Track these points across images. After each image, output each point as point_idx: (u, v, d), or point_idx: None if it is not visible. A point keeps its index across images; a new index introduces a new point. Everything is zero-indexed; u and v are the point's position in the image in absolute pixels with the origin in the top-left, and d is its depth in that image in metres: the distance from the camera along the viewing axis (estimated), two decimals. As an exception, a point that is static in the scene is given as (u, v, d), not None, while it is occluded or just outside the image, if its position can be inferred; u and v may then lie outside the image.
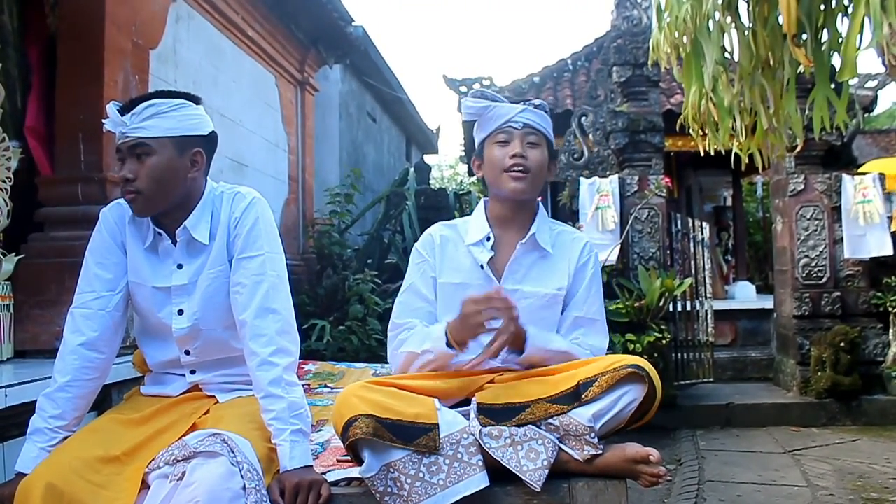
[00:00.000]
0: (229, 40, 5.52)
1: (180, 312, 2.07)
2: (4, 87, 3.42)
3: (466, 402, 2.01)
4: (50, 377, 2.82)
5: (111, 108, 2.00)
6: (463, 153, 14.25)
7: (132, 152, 1.97)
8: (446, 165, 29.25)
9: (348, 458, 2.07)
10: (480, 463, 1.81)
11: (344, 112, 9.41)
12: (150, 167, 1.96)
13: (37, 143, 3.61)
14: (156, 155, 1.97)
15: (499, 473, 1.83)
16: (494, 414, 1.90)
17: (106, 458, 1.82)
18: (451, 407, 1.98)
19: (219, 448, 1.73)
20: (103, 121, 2.03)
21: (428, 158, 15.86)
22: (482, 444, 1.84)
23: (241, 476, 1.71)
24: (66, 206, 3.57)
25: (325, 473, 1.97)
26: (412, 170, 7.30)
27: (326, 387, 3.08)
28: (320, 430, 2.53)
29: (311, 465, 1.91)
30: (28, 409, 2.73)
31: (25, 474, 1.84)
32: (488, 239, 2.22)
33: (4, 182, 3.33)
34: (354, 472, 1.91)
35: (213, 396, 2.10)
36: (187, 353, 2.10)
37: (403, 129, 13.87)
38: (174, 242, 2.08)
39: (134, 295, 2.12)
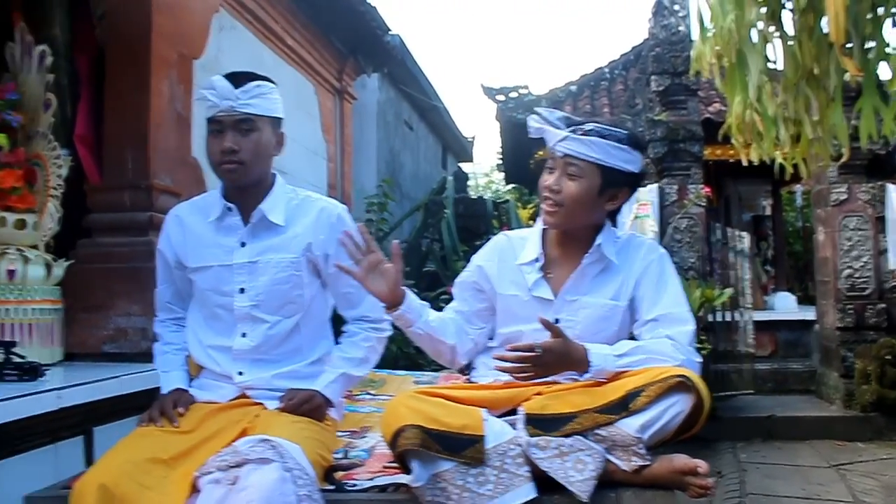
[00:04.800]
0: (270, 50, 5.59)
1: (242, 291, 2.14)
2: (56, 98, 3.49)
3: (513, 411, 2.01)
4: (99, 380, 2.92)
5: (220, 80, 2.08)
6: (500, 162, 14.26)
7: (236, 125, 2.07)
8: (481, 174, 29.25)
9: (395, 464, 2.09)
10: (528, 473, 1.81)
11: (381, 120, 9.46)
12: (255, 142, 2.10)
13: (86, 151, 3.69)
14: (258, 131, 2.10)
15: (546, 484, 1.83)
16: (542, 424, 1.90)
17: (155, 460, 1.85)
18: (499, 416, 1.98)
19: (270, 454, 1.75)
20: (202, 91, 2.10)
21: (463, 167, 15.90)
22: (529, 454, 1.84)
23: (294, 483, 1.73)
24: (114, 213, 3.64)
25: (372, 479, 1.99)
26: (450, 178, 7.32)
27: (368, 394, 3.10)
28: (364, 437, 2.54)
29: (331, 405, 2.18)
30: (79, 410, 2.80)
31: (170, 392, 2.15)
32: (537, 260, 2.19)
33: (56, 189, 3.40)
34: (403, 478, 1.92)
35: (261, 404, 2.12)
36: (244, 335, 2.15)
37: (439, 137, 13.91)
38: (244, 221, 2.16)
39: (196, 283, 2.21)
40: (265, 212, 2.16)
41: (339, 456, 2.21)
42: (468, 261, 2.39)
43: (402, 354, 5.08)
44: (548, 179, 2.11)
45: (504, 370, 1.97)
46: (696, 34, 3.16)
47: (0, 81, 3.48)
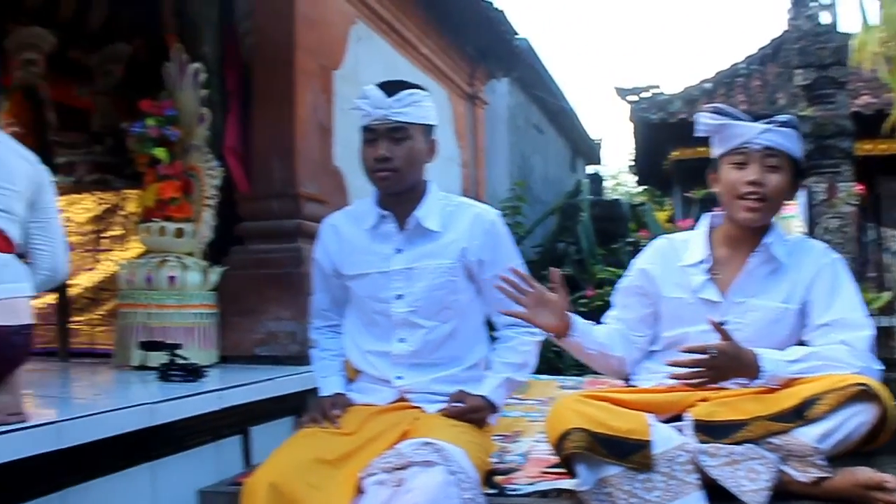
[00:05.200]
0: (404, 58, 5.68)
1: (399, 297, 2.17)
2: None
3: (677, 416, 1.95)
4: (256, 382, 3.02)
5: (373, 89, 2.13)
6: (631, 163, 14.01)
7: (389, 134, 2.11)
8: (608, 176, 28.83)
9: (553, 469, 2.08)
10: (697, 481, 1.75)
11: (512, 125, 9.47)
12: (408, 149, 2.13)
13: (235, 162, 3.84)
14: (411, 139, 2.13)
15: (716, 492, 1.76)
16: (711, 431, 1.84)
17: (321, 461, 1.90)
18: (662, 422, 1.93)
19: (435, 457, 1.77)
20: (356, 101, 2.16)
21: (591, 169, 15.72)
22: (699, 462, 1.78)
23: (458, 486, 1.73)
24: (263, 221, 3.78)
25: (533, 484, 1.98)
26: (586, 181, 7.25)
27: (515, 398, 3.10)
28: (517, 441, 2.54)
29: (496, 410, 2.17)
30: (238, 410, 2.92)
31: (329, 396, 2.20)
32: (704, 262, 2.14)
33: (211, 199, 3.56)
34: (564, 483, 1.90)
35: (420, 407, 2.14)
36: (401, 340, 2.18)
37: (568, 140, 13.80)
38: (400, 228, 2.20)
39: (354, 290, 2.25)
40: (420, 218, 2.18)
41: (495, 460, 2.22)
42: (605, 264, 2.37)
43: (542, 359, 5.04)
44: (747, 174, 2.05)
45: (678, 377, 1.92)
46: (850, 24, 3.01)
47: (158, 99, 3.68)
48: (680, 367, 1.89)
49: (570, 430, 1.79)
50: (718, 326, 1.90)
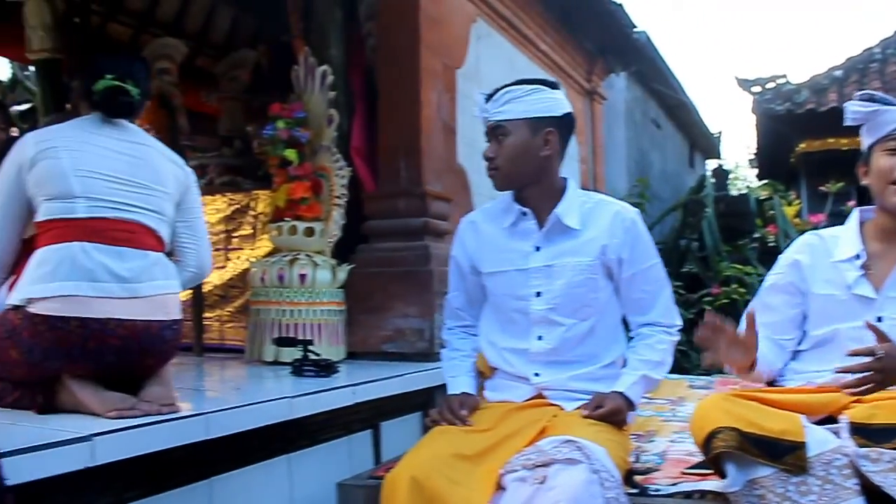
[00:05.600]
0: (523, 55, 5.65)
1: (538, 294, 2.17)
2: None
3: (828, 418, 1.87)
4: (386, 378, 3.07)
5: (479, 97, 2.22)
6: (753, 157, 13.54)
7: (493, 134, 2.17)
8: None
9: (694, 470, 2.03)
10: (857, 486, 1.67)
11: (629, 120, 9.30)
12: (507, 147, 2.14)
13: (361, 162, 3.91)
14: (511, 136, 2.14)
15: (876, 499, 1.68)
16: (870, 435, 1.75)
17: (460, 456, 1.91)
18: (815, 423, 1.85)
19: (577, 455, 1.75)
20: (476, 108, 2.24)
21: (710, 164, 15.29)
22: (859, 466, 1.69)
23: (601, 485, 1.71)
24: (389, 220, 3.83)
25: (676, 485, 1.93)
26: (709, 176, 7.06)
27: (644, 397, 3.05)
28: (652, 441, 2.49)
29: (633, 408, 2.14)
30: (369, 405, 2.97)
31: (456, 395, 2.19)
32: (858, 257, 2.06)
33: (340, 199, 3.64)
34: (708, 485, 1.85)
35: (558, 405, 2.12)
36: (540, 338, 2.17)
37: (686, 134, 13.47)
38: (539, 225, 2.19)
39: (490, 286, 2.26)
40: (560, 215, 2.17)
41: (632, 460, 2.18)
42: (731, 261, 2.30)
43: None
44: None
45: (848, 385, 1.83)
46: None
47: (287, 102, 3.78)
48: (848, 372, 1.80)
49: (718, 429, 1.74)
50: (874, 327, 1.81)
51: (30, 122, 3.69)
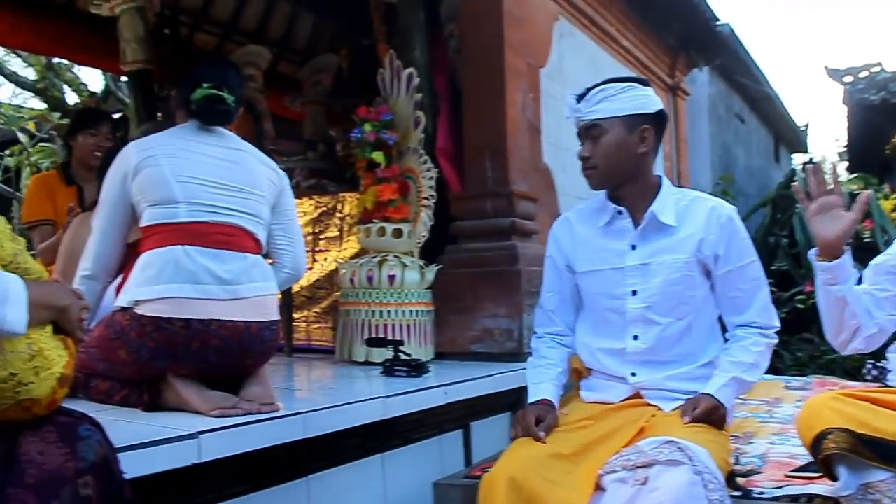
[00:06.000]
0: (606, 52, 5.59)
1: (634, 293, 2.14)
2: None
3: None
4: (477, 378, 3.07)
5: (569, 97, 2.19)
6: (843, 149, 13.09)
7: (588, 134, 2.15)
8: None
9: (799, 473, 1.97)
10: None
11: (713, 115, 9.11)
12: (603, 145, 2.12)
13: (447, 162, 3.92)
14: (607, 134, 2.12)
15: None
16: None
17: (557, 456, 1.90)
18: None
19: (679, 456, 1.72)
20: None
21: (797, 158, 14.87)
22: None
23: (705, 487, 1.68)
24: (477, 220, 3.82)
25: (781, 488, 1.88)
26: (799, 170, 6.86)
27: (738, 398, 2.98)
28: (751, 443, 2.44)
29: (726, 410, 2.03)
30: (460, 405, 2.98)
31: (536, 404, 2.12)
32: None
33: (428, 200, 3.66)
34: (817, 488, 1.80)
35: (655, 405, 2.09)
36: (636, 338, 2.14)
37: (771, 127, 13.11)
38: (634, 224, 2.17)
39: (584, 286, 2.24)
40: (656, 213, 2.14)
41: (731, 461, 2.13)
42: None
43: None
44: None
45: None
46: None
47: (373, 105, 3.82)
48: None
49: (829, 430, 1.69)
50: None
51: (122, 130, 3.81)
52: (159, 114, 5.47)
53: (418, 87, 3.82)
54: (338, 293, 4.16)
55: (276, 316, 2.37)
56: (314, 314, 4.35)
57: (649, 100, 2.18)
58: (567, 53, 4.86)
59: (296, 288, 4.29)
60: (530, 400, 2.19)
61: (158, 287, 2.15)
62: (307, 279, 4.35)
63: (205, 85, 2.39)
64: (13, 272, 1.37)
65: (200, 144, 2.37)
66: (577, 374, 2.34)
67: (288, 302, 4.12)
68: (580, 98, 2.17)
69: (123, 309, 2.19)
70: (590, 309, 2.27)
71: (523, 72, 4.04)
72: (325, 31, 7.13)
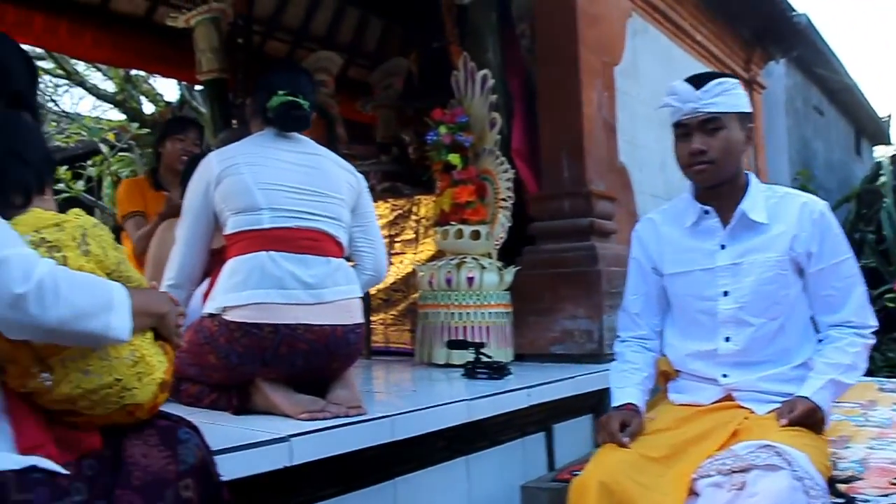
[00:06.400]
0: (679, 47, 5.50)
1: (725, 294, 2.08)
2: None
3: None
4: (559, 380, 3.05)
5: (681, 84, 2.08)
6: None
7: (702, 127, 2.05)
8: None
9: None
10: None
11: (790, 108, 8.88)
12: (723, 139, 2.04)
13: (522, 163, 3.91)
14: (726, 129, 2.04)
15: None
16: None
17: (647, 458, 1.86)
18: None
19: (778, 461, 1.67)
20: (666, 98, 2.11)
21: (878, 150, 14.39)
22: None
23: (806, 493, 1.62)
24: (554, 221, 3.80)
25: (887, 496, 1.81)
26: (886, 163, 6.63)
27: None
28: (848, 447, 2.35)
29: (823, 413, 1.95)
30: (543, 407, 2.96)
31: (620, 409, 2.06)
32: None
33: (506, 202, 3.64)
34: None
35: (748, 407, 2.03)
36: (727, 339, 2.08)
37: (851, 119, 12.72)
38: (723, 223, 2.11)
39: (672, 288, 2.19)
40: (746, 211, 2.08)
41: (831, 466, 2.06)
42: None
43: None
44: None
45: None
46: None
47: (448, 107, 3.83)
48: None
49: None
50: None
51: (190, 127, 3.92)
52: (234, 121, 5.58)
53: (493, 88, 3.81)
54: (415, 295, 4.18)
55: (360, 319, 2.38)
56: (391, 317, 4.38)
57: (747, 98, 2.15)
58: (640, 50, 4.79)
59: (372, 291, 4.32)
60: (614, 404, 2.14)
61: (245, 293, 2.18)
62: (383, 282, 4.37)
63: (280, 92, 2.42)
64: (115, 280, 1.41)
65: (279, 151, 2.40)
66: (664, 377, 2.29)
67: (366, 305, 4.13)
68: (697, 86, 2.05)
69: (212, 315, 2.23)
70: (678, 311, 2.22)
71: (598, 70, 4.00)
72: (395, 35, 7.18)
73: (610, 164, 4.03)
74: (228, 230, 2.33)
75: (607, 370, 3.28)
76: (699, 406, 2.10)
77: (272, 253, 2.23)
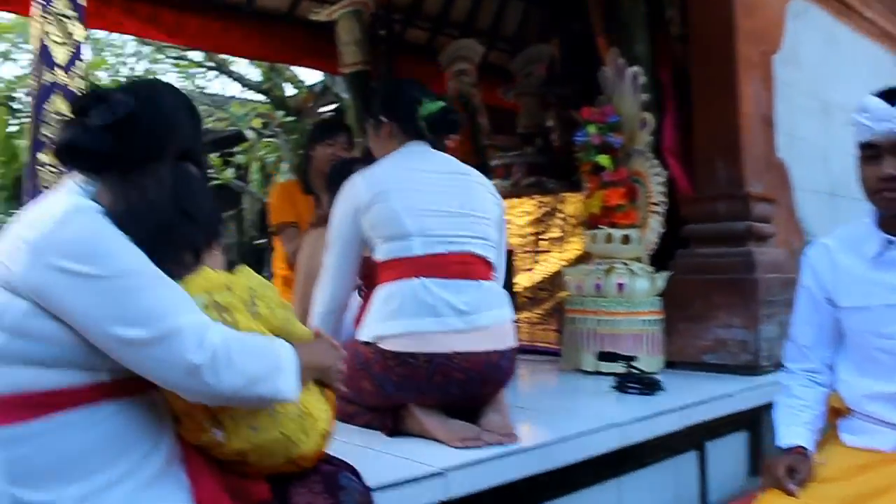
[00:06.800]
0: (845, 26, 5.12)
1: None
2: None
3: None
4: (711, 399, 2.92)
5: (873, 100, 1.85)
6: None
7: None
8: None
9: None
10: None
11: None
12: None
13: (675, 162, 3.74)
14: None
15: None
16: None
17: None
18: None
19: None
20: (855, 116, 1.89)
21: None
22: None
23: None
24: (709, 223, 3.63)
25: None
26: None
27: None
28: None
29: None
30: (696, 426, 2.84)
31: (787, 451, 1.91)
32: None
33: (658, 206, 3.51)
34: None
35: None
36: None
37: None
38: None
39: (848, 322, 2.01)
40: None
41: None
42: None
43: None
44: None
45: None
46: None
47: (597, 104, 3.70)
48: None
49: None
50: None
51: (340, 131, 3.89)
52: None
53: (643, 85, 3.66)
54: (561, 294, 4.11)
55: (514, 343, 2.34)
56: (537, 315, 4.33)
57: None
58: (801, 34, 4.48)
59: (517, 289, 4.28)
60: (779, 443, 1.99)
61: (400, 322, 2.18)
62: (529, 280, 4.32)
63: (425, 101, 2.38)
64: (282, 336, 1.42)
65: (427, 173, 2.37)
66: (834, 413, 2.13)
67: (512, 303, 4.09)
68: (894, 101, 1.82)
69: (366, 342, 2.24)
70: (853, 346, 2.04)
71: (756, 62, 3.77)
72: (534, 19, 7.06)
73: (767, 162, 3.80)
74: (379, 257, 2.32)
75: (764, 385, 3.15)
76: (877, 452, 1.94)
77: (424, 280, 2.21)
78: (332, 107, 9.05)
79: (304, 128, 8.94)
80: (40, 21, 2.33)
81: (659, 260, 3.64)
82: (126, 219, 1.25)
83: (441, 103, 2.42)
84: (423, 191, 2.32)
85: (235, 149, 9.43)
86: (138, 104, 1.34)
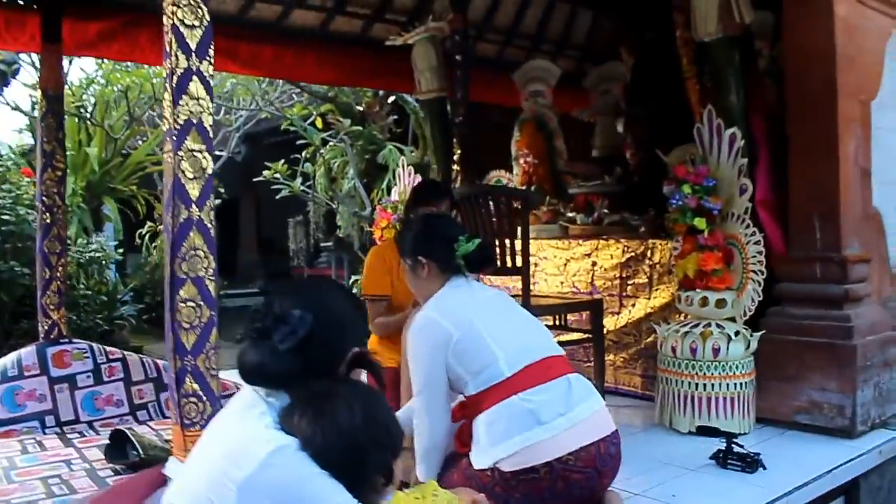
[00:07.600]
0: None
1: None
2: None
3: None
4: (809, 482, 2.94)
5: None
6: None
7: None
8: None
9: None
10: None
11: None
12: None
13: (767, 216, 3.70)
14: None
15: None
16: None
17: None
18: None
19: None
20: None
21: None
22: None
23: None
24: (804, 284, 3.62)
25: None
26: None
27: None
28: None
29: None
30: None
31: None
32: None
33: (755, 273, 3.48)
34: None
35: None
36: None
37: None
38: None
39: None
40: None
41: None
42: None
43: None
44: None
45: None
46: None
47: (693, 163, 3.61)
48: None
49: None
50: None
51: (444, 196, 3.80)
52: (454, 139, 5.67)
53: (742, 149, 3.60)
54: (647, 340, 4.14)
55: (613, 426, 2.37)
56: (621, 359, 4.36)
57: None
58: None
59: (604, 332, 4.29)
60: None
61: (513, 440, 2.23)
62: (614, 324, 4.33)
63: (461, 239, 2.51)
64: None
65: (481, 301, 2.50)
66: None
67: (599, 345, 4.12)
68: None
69: (481, 469, 2.29)
70: None
71: (856, 115, 3.72)
72: (604, 27, 7.00)
73: (864, 214, 3.77)
74: (470, 392, 2.37)
75: (863, 451, 3.16)
76: None
77: (520, 394, 2.27)
78: (394, 118, 9.07)
79: (370, 133, 8.98)
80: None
81: (753, 316, 3.62)
82: (322, 451, 1.33)
83: (477, 240, 2.54)
84: (488, 316, 2.43)
85: (302, 155, 9.53)
86: (315, 320, 1.41)
